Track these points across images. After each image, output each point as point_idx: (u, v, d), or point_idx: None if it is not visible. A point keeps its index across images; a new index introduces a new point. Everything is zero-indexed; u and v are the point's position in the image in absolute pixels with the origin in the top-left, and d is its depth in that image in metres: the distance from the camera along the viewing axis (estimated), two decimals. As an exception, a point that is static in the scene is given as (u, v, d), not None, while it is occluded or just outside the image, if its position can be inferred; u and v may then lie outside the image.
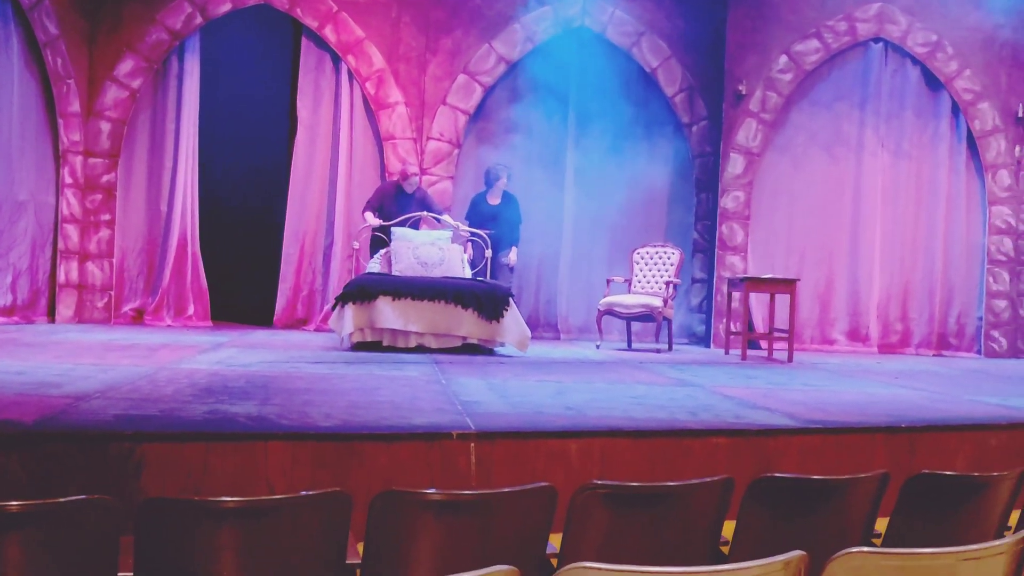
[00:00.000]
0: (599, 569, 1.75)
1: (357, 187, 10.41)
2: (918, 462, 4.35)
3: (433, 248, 8.60)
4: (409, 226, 9.12)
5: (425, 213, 9.33)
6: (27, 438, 3.53)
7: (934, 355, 10.47)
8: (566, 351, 9.01)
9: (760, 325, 10.21)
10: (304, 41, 10.51)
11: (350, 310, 7.76)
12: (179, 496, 3.01)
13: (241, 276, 11.15)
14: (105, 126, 10.13)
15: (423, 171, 10.36)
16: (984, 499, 2.97)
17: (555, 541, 2.64)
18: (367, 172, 10.52)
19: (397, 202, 9.29)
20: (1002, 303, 10.59)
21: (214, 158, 10.87)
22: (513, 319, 7.99)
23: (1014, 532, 2.19)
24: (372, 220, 9.12)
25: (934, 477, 2.95)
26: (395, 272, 8.41)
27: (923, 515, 2.90)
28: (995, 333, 10.58)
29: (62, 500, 2.16)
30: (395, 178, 9.62)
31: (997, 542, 2.11)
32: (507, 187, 9.65)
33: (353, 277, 8.57)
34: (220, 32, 10.74)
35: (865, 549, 2.00)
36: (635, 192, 10.66)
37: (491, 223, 9.43)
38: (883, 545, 2.89)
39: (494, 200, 9.62)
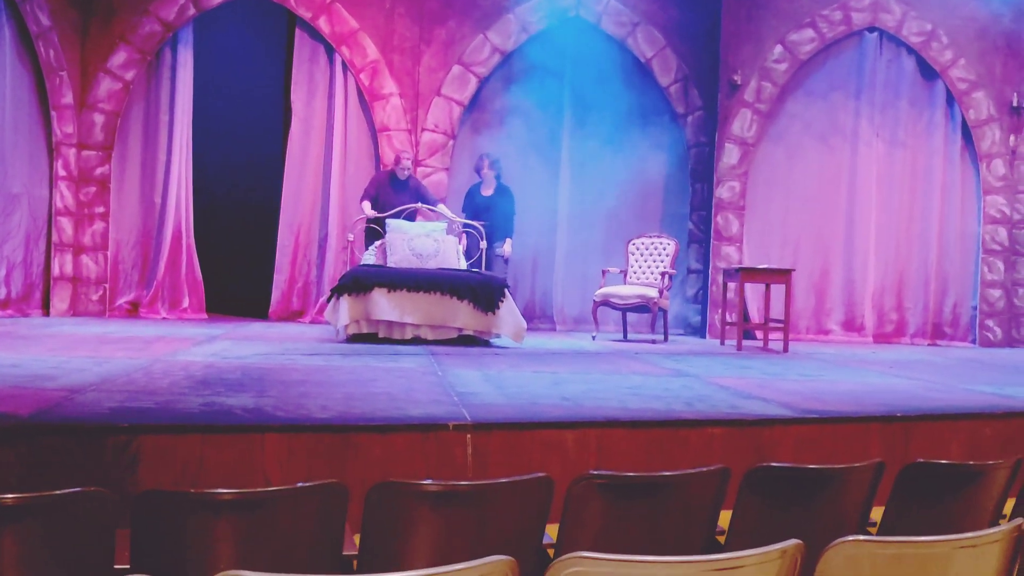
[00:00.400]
0: (596, 559, 1.75)
1: (352, 179, 10.40)
2: (913, 451, 4.36)
3: (428, 240, 8.60)
4: (404, 218, 9.13)
5: (420, 205, 9.33)
6: (23, 431, 3.53)
7: (929, 344, 10.50)
8: (562, 342, 9.01)
9: (755, 315, 10.22)
10: (298, 32, 10.48)
11: (345, 302, 7.75)
12: (175, 488, 3.02)
13: (236, 268, 11.13)
14: (99, 118, 10.10)
15: (418, 163, 10.35)
16: (979, 488, 2.98)
17: (552, 531, 2.64)
18: (362, 164, 10.51)
19: (392, 190, 9.32)
20: (996, 292, 10.61)
21: (208, 150, 10.85)
22: (509, 310, 7.99)
23: (1008, 520, 2.20)
24: (368, 211, 9.13)
25: (929, 466, 2.96)
26: (390, 264, 8.41)
27: (918, 504, 2.91)
28: (990, 322, 10.60)
29: (58, 493, 2.16)
30: (389, 167, 9.65)
31: (992, 530, 2.12)
32: (498, 177, 9.62)
33: (348, 269, 8.57)
34: (214, 23, 10.71)
35: (860, 537, 2.01)
36: (630, 183, 10.65)
37: (485, 214, 9.43)
38: (878, 534, 2.90)
39: (487, 191, 9.61)
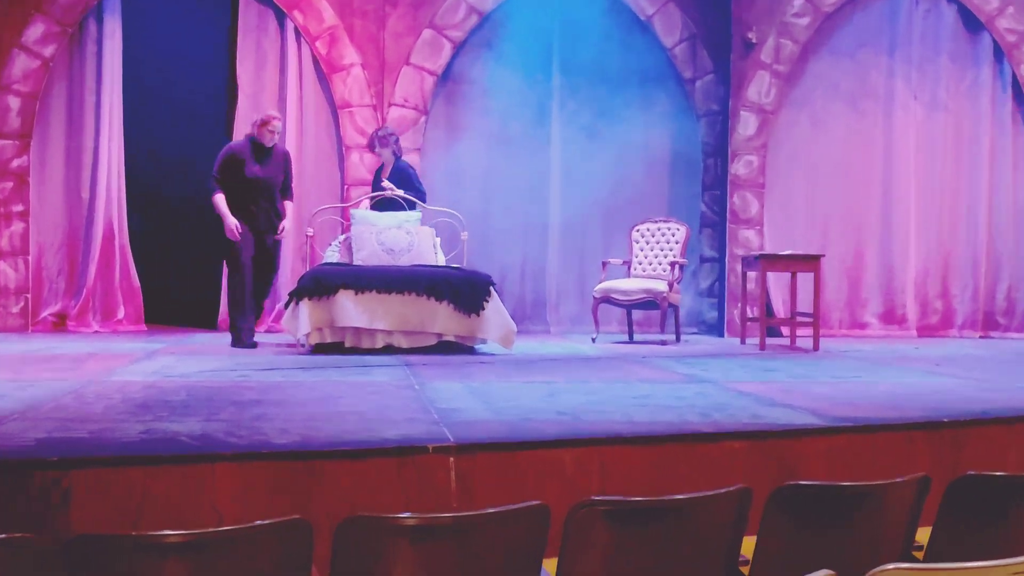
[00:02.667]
0: (599, 599, 1.77)
1: (309, 164, 10.39)
2: (964, 462, 4.39)
3: (400, 232, 8.60)
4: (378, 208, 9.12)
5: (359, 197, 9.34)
6: (-65, 469, 3.53)
7: (980, 337, 10.57)
8: (558, 346, 9.04)
9: (780, 309, 10.27)
10: (243, -4, 10.46)
11: (306, 307, 7.75)
12: (114, 531, 3.02)
13: (178, 271, 11.12)
14: (14, 102, 10.07)
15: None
16: (1039, 502, 3.01)
17: (549, 567, 2.66)
18: (321, 145, 10.51)
19: (254, 161, 8.44)
20: (1057, 275, 10.68)
21: (142, 135, 10.81)
22: (495, 312, 8.01)
23: (1072, 540, 2.22)
24: (221, 204, 8.35)
25: (982, 479, 2.98)
26: (357, 261, 8.41)
27: (970, 523, 2.94)
28: (1050, 310, 10.68)
29: (-22, 541, 2.16)
30: (249, 132, 8.70)
31: (1053, 552, 2.14)
32: (396, 155, 9.30)
33: (308, 268, 8.57)
34: (144, -12, 10.68)
35: (903, 565, 2.03)
36: (632, 160, 10.67)
37: (390, 203, 9.22)
38: (925, 559, 2.93)
39: (386, 174, 9.38)
